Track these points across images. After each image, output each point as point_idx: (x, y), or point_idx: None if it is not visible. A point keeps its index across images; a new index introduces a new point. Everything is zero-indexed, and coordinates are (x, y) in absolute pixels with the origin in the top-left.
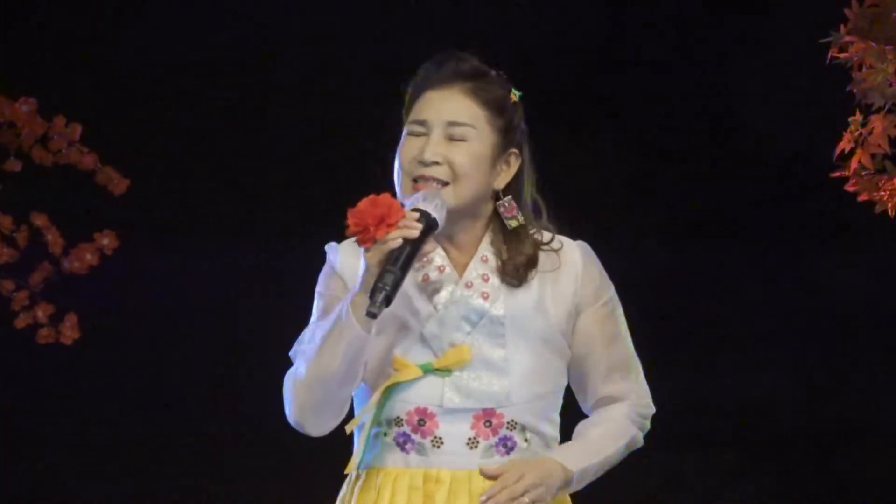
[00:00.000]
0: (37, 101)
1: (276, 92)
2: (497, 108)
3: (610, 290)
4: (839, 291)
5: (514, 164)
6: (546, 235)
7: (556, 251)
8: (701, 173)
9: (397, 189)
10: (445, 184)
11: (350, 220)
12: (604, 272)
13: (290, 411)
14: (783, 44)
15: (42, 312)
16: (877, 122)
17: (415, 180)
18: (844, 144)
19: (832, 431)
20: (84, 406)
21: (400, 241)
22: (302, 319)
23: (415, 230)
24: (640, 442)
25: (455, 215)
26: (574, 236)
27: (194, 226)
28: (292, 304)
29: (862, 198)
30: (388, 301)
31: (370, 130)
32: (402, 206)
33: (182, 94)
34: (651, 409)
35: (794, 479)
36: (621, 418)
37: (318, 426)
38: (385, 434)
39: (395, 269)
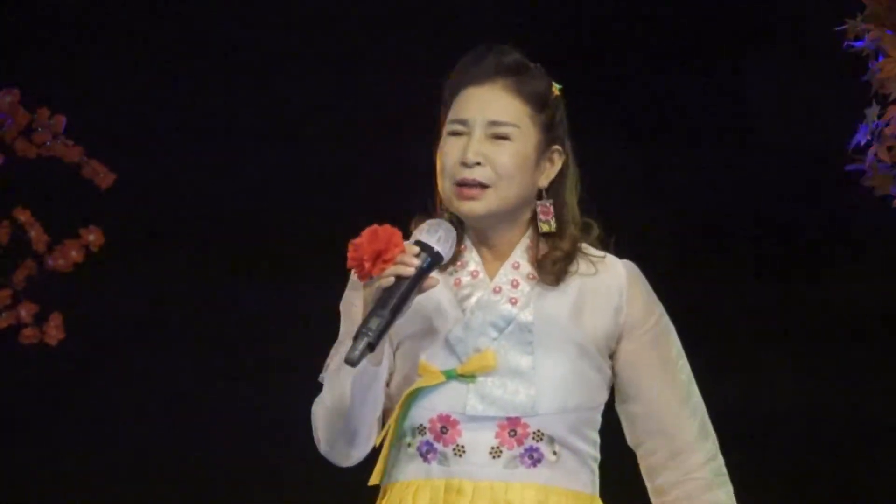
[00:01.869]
0: (19, 92)
1: (275, 83)
2: (540, 103)
3: (658, 311)
4: (855, 289)
5: (558, 161)
6: (586, 246)
7: (598, 258)
8: (709, 169)
9: (440, 191)
10: (486, 186)
11: (348, 254)
12: (650, 291)
13: (319, 444)
14: (796, 32)
15: (25, 312)
16: (894, 114)
17: (458, 184)
18: (860, 137)
19: (846, 437)
20: (69, 409)
21: (392, 279)
22: (299, 318)
23: (409, 268)
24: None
25: (496, 218)
26: (603, 242)
27: (185, 221)
28: (290, 302)
29: (879, 192)
30: (371, 348)
31: (377, 126)
32: (405, 238)
33: (172, 83)
34: (721, 459)
35: (807, 487)
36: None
37: (349, 456)
38: (409, 445)
39: (383, 311)
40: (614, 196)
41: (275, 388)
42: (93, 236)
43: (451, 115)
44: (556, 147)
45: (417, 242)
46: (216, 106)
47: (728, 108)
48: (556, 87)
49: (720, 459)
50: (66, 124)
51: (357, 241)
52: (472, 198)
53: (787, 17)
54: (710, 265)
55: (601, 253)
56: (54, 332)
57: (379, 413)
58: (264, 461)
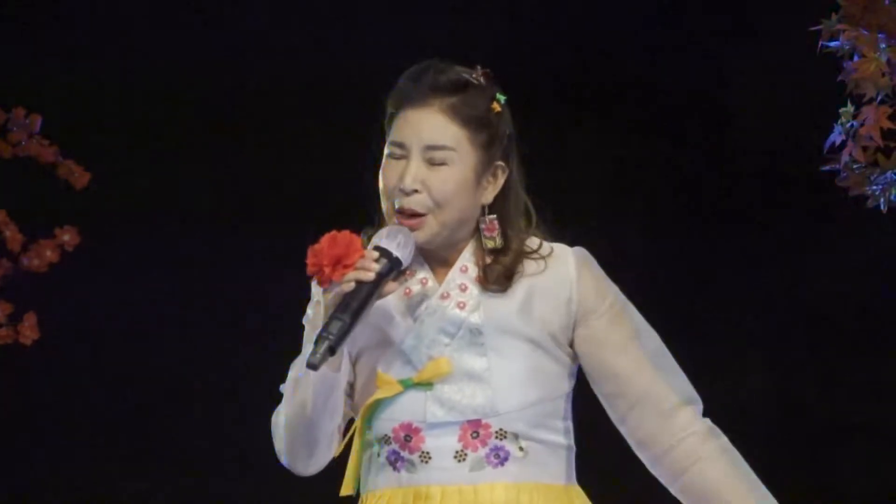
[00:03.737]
0: None
1: (250, 80)
2: (478, 124)
3: (611, 293)
4: (829, 289)
5: (501, 176)
6: (535, 242)
7: (543, 257)
8: (685, 167)
9: (382, 211)
10: (425, 214)
11: (308, 260)
12: (601, 275)
13: (280, 454)
14: (772, 32)
15: (0, 312)
16: (869, 114)
17: (398, 211)
18: (835, 137)
19: (821, 433)
20: (44, 410)
21: (353, 284)
22: (278, 318)
23: (370, 273)
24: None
25: (438, 238)
26: (555, 232)
27: (159, 221)
28: (268, 303)
29: (853, 192)
30: (331, 351)
31: (355, 125)
32: (365, 244)
33: (147, 83)
34: (708, 420)
35: (783, 484)
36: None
37: (309, 465)
38: (378, 454)
39: (343, 315)
40: (589, 192)
41: (252, 390)
42: (68, 236)
43: (390, 136)
44: (499, 163)
45: (377, 248)
46: (193, 105)
47: (703, 107)
48: (497, 103)
49: (708, 420)
50: (42, 123)
51: (316, 246)
52: (412, 227)
53: (762, 17)
54: (683, 263)
55: (548, 248)
56: (29, 332)
57: (338, 421)
58: (240, 465)
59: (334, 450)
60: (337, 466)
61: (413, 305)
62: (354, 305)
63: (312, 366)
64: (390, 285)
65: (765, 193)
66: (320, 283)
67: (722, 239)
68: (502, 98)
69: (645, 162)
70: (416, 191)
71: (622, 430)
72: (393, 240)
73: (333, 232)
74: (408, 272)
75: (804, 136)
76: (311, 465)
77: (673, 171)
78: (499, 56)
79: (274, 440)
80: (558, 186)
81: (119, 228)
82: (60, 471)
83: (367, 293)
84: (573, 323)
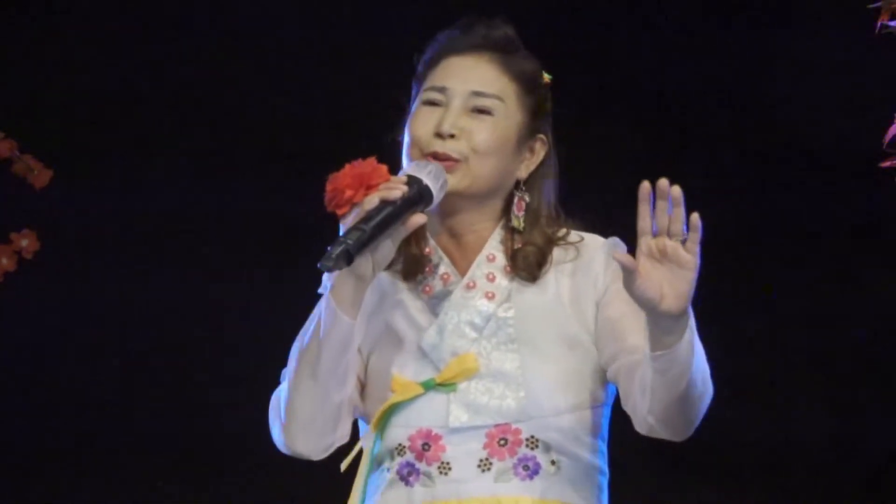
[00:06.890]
0: None
1: (223, 69)
2: (529, 84)
3: None
4: (889, 303)
5: (540, 151)
6: (565, 232)
7: (573, 244)
8: (726, 160)
9: (405, 165)
10: (458, 161)
11: (327, 186)
12: None
13: (277, 431)
14: (825, 10)
15: None
16: None
17: (429, 154)
18: None
19: (876, 467)
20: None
21: (376, 201)
22: (254, 326)
23: (397, 191)
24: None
25: (465, 199)
26: (583, 228)
27: (128, 225)
28: (247, 312)
29: None
30: (348, 258)
31: (340, 119)
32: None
33: (113, 73)
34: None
35: None
36: None
37: (310, 444)
38: (388, 469)
39: (364, 226)
40: (622, 185)
41: (222, 405)
42: (26, 241)
43: (429, 82)
44: (541, 136)
45: (406, 175)
46: (163, 98)
47: (749, 98)
48: (546, 75)
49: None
50: None
51: (337, 173)
52: (444, 168)
53: None
54: (728, 273)
55: (576, 237)
56: None
57: (346, 394)
58: (209, 485)
59: (340, 433)
60: (344, 485)
61: (434, 303)
62: (378, 219)
63: (328, 267)
64: (418, 216)
65: (817, 194)
66: (338, 207)
67: (764, 244)
68: (549, 76)
69: (682, 156)
70: (452, 136)
71: (627, 405)
72: (423, 169)
73: (357, 160)
74: (427, 268)
75: (861, 129)
76: (311, 442)
77: (714, 171)
78: (529, 38)
79: (271, 422)
80: (584, 180)
81: (84, 233)
82: (15, 496)
83: (391, 214)
84: (597, 305)
